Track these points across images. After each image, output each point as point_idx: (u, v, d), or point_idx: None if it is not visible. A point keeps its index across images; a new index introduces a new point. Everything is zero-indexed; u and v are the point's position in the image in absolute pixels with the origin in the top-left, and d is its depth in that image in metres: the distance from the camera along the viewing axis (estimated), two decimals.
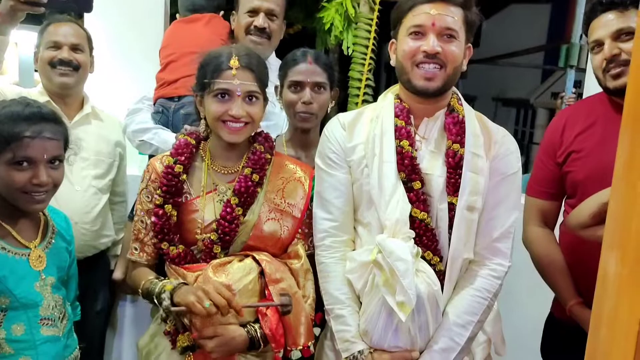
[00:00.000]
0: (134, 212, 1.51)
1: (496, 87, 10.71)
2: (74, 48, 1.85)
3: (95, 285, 1.98)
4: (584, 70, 3.34)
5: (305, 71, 1.68)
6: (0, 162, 1.26)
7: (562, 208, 1.71)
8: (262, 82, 1.44)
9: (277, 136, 1.79)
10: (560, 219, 1.71)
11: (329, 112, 1.76)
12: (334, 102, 1.75)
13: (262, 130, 1.54)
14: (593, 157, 1.55)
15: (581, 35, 3.08)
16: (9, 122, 1.26)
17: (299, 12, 5.21)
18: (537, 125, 10.68)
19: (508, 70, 9.47)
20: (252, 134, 1.51)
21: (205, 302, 1.23)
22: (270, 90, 1.52)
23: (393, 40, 1.41)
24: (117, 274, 2.07)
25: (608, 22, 1.51)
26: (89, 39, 1.92)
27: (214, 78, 1.38)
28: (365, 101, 3.27)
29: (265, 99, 1.46)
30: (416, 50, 1.31)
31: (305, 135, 1.74)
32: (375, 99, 1.51)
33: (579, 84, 4.15)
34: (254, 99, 1.41)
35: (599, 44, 1.53)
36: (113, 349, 2.30)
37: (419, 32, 1.31)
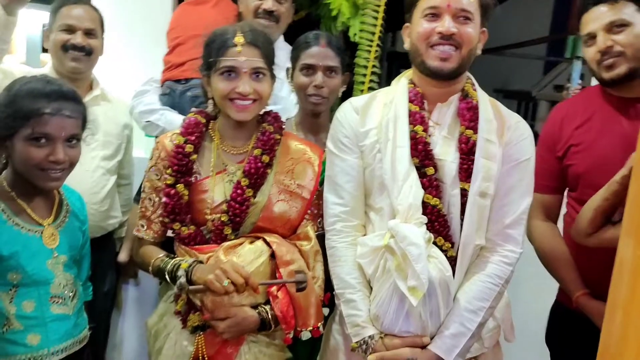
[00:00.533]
0: (142, 189, 1.51)
1: (498, 79, 10.68)
2: (88, 32, 1.83)
3: (103, 267, 1.98)
4: None
5: (318, 54, 1.67)
6: (19, 137, 1.26)
7: (565, 200, 1.72)
8: (269, 58, 1.42)
9: (287, 119, 1.78)
10: (563, 210, 1.72)
11: (339, 96, 1.76)
12: (345, 86, 1.75)
13: (271, 110, 1.53)
14: (593, 149, 1.57)
15: None
16: (29, 98, 1.25)
17: None
18: (538, 118, 10.67)
19: (510, 62, 9.43)
20: (261, 114, 1.50)
21: (224, 280, 1.24)
22: (280, 75, 1.51)
23: (407, 24, 1.40)
24: (122, 256, 2.08)
25: (600, 15, 1.53)
26: (101, 22, 1.90)
27: (220, 56, 1.37)
28: (370, 88, 3.24)
29: (273, 77, 1.45)
30: (431, 31, 1.30)
31: (315, 119, 1.74)
32: (380, 86, 1.51)
33: (582, 77, 4.13)
34: (260, 75, 1.40)
35: (592, 36, 1.55)
36: (117, 328, 2.32)
37: (434, 14, 1.31)
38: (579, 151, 1.60)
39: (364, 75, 3.21)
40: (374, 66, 3.25)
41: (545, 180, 1.65)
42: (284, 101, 1.91)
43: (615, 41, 1.50)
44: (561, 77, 8.70)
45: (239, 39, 1.36)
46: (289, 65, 1.77)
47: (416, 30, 1.34)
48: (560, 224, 1.74)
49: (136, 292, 2.31)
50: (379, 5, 3.21)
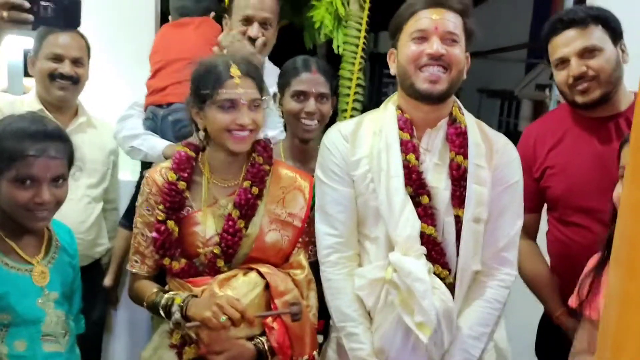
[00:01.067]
0: (134, 225, 1.50)
1: (481, 79, 10.79)
2: (75, 61, 1.82)
3: (91, 295, 1.95)
4: None
5: (310, 81, 1.67)
6: (4, 178, 1.25)
7: (546, 217, 1.74)
8: (262, 88, 1.43)
9: (274, 144, 1.78)
10: (544, 227, 1.75)
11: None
12: (331, 110, 1.75)
13: (261, 139, 1.52)
14: (568, 171, 1.60)
15: None
16: (14, 139, 1.24)
17: (286, 7, 5.17)
18: (521, 117, 10.80)
19: (492, 62, 9.56)
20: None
21: (222, 317, 1.24)
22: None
23: (392, 50, 1.40)
24: (107, 281, 2.06)
25: (570, 40, 1.55)
26: (88, 49, 1.89)
27: (217, 88, 1.36)
28: (355, 100, 3.27)
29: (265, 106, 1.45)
30: (420, 53, 1.31)
31: (304, 145, 1.73)
32: (364, 98, 1.52)
33: None
34: (257, 106, 1.40)
35: (563, 61, 1.58)
36: (109, 353, 2.30)
37: (422, 37, 1.32)
38: (554, 173, 1.63)
39: (349, 87, 3.23)
40: (358, 78, 3.27)
41: (524, 201, 1.68)
42: (281, 124, 1.90)
43: (589, 66, 1.52)
44: (542, 76, 8.81)
45: (235, 71, 1.37)
46: (275, 89, 1.77)
47: (404, 53, 1.34)
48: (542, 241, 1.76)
49: (127, 316, 2.29)
50: (362, 17, 3.23)
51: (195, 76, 1.42)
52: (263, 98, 1.42)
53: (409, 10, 1.35)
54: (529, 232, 1.72)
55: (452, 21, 1.32)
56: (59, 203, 1.32)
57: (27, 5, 1.23)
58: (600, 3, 2.20)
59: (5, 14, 1.21)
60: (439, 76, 1.31)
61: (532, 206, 1.67)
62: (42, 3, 1.25)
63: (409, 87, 1.35)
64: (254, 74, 1.41)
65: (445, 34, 1.31)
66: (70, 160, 1.34)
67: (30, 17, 1.24)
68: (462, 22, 1.34)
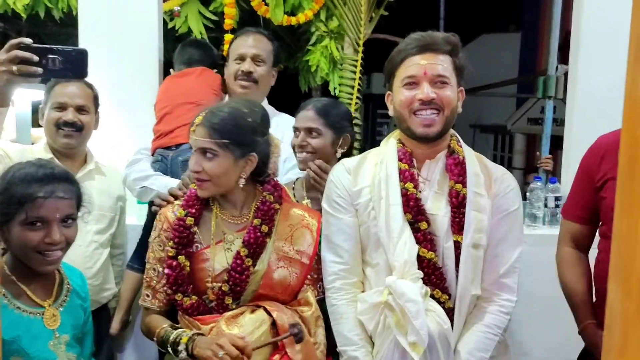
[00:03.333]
0: (147, 259, 1.53)
1: (473, 114, 10.96)
2: (79, 109, 1.87)
3: (98, 339, 1.96)
4: (560, 99, 3.48)
5: (300, 118, 1.78)
6: (15, 222, 1.28)
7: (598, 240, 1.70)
8: (227, 139, 1.41)
9: (297, 179, 1.86)
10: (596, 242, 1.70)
11: (337, 156, 1.79)
12: (345, 147, 1.79)
13: (271, 178, 1.56)
14: None
15: (557, 67, 3.22)
16: (22, 184, 1.28)
17: (281, 52, 5.34)
18: (515, 151, 10.91)
19: (484, 98, 9.74)
20: (261, 180, 1.53)
21: (220, 352, 1.27)
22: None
23: (389, 92, 1.47)
24: (114, 329, 2.05)
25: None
26: (95, 98, 1.94)
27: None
28: (355, 140, 3.34)
29: (242, 154, 1.44)
30: (412, 99, 1.37)
31: (315, 192, 1.76)
32: (362, 137, 1.57)
33: (554, 110, 4.31)
34: (208, 154, 1.42)
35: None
36: None
37: (412, 83, 1.38)
38: (614, 185, 1.60)
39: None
40: (355, 117, 3.37)
41: (578, 210, 1.66)
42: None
43: None
44: (533, 110, 8.97)
45: (199, 119, 1.43)
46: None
47: (398, 98, 1.40)
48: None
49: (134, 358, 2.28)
50: (356, 60, 3.35)
51: None
52: (231, 152, 1.42)
53: (399, 57, 1.41)
54: (579, 244, 1.69)
55: (440, 64, 1.37)
56: (69, 243, 1.35)
57: (36, 58, 1.27)
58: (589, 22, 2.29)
59: (14, 67, 1.26)
60: (433, 119, 1.37)
61: (584, 216, 1.65)
62: (50, 56, 1.29)
63: (407, 130, 1.42)
64: (216, 125, 1.41)
65: (435, 77, 1.37)
66: (78, 201, 1.38)
67: (39, 70, 1.28)
68: (451, 62, 1.40)
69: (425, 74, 1.36)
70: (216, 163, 1.42)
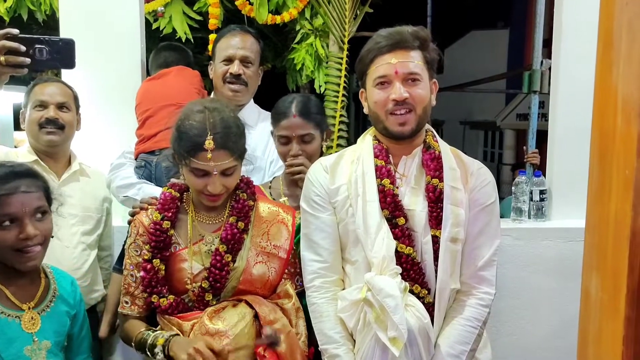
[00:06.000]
0: (124, 266, 1.52)
1: (463, 111, 11.00)
2: (60, 107, 1.87)
3: None
4: (547, 94, 3.50)
5: (290, 126, 1.72)
6: None
7: None
8: (239, 151, 1.43)
9: (274, 177, 1.85)
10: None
11: (324, 151, 1.80)
12: (328, 140, 1.79)
13: (243, 176, 1.56)
14: None
15: (542, 62, 3.23)
16: None
17: (268, 51, 5.34)
18: (505, 146, 10.95)
19: (473, 94, 9.77)
20: None
21: (197, 358, 1.28)
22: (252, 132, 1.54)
23: (362, 89, 1.47)
24: (102, 332, 2.04)
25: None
26: (75, 98, 1.94)
27: (190, 156, 1.38)
28: (340, 137, 3.37)
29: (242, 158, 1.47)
30: (386, 100, 1.38)
31: (295, 188, 1.76)
32: (348, 134, 1.57)
33: (542, 105, 4.32)
34: (230, 172, 1.42)
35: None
36: None
37: (384, 82, 1.38)
38: None
39: (333, 125, 3.33)
40: (341, 115, 3.37)
41: None
42: (260, 161, 1.94)
43: None
44: (522, 105, 9.01)
45: (209, 143, 1.36)
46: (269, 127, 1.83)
47: (372, 99, 1.41)
48: None
49: None
50: (341, 58, 3.36)
51: (174, 134, 1.44)
52: (238, 164, 1.44)
53: (369, 56, 1.40)
54: None
55: (411, 61, 1.37)
56: (46, 238, 1.34)
57: (23, 48, 1.27)
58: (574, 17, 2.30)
59: (2, 58, 1.26)
60: (407, 118, 1.38)
61: None
62: (38, 46, 1.29)
63: (383, 129, 1.42)
64: (232, 143, 1.40)
65: (406, 76, 1.37)
66: (47, 195, 1.37)
67: (27, 60, 1.27)
68: (422, 56, 1.39)
69: (397, 73, 1.36)
70: (235, 176, 1.45)
